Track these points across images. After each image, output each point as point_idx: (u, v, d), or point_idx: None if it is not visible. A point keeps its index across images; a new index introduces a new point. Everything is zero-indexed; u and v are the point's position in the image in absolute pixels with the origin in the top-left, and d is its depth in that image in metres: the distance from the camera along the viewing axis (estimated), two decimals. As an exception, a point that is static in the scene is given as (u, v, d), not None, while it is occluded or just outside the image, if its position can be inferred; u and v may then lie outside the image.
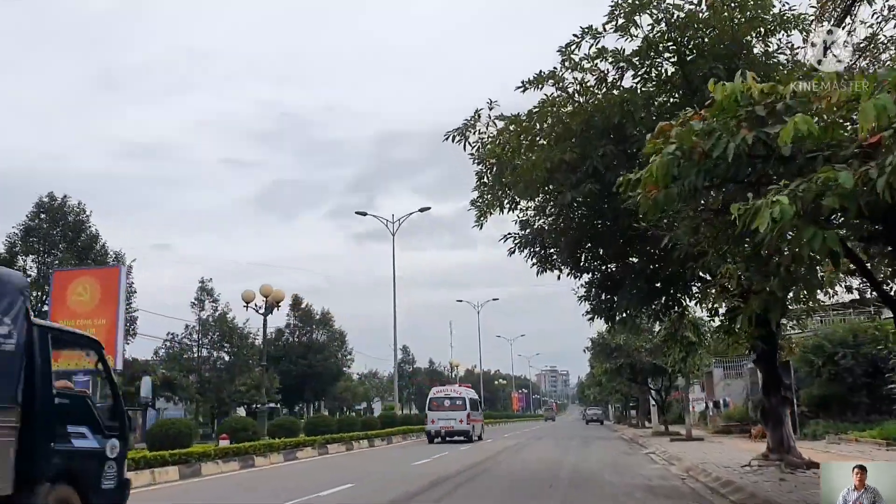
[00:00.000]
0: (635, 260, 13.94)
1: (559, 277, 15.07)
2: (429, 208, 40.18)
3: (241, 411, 46.46)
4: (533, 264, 14.83)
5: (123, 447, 7.81)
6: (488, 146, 13.17)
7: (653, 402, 41.16)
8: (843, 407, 23.96)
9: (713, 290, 13.05)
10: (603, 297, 14.90)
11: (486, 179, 14.21)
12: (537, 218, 14.58)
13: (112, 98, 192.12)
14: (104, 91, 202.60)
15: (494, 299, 78.75)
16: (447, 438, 30.97)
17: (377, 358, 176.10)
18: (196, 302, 44.91)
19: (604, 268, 14.83)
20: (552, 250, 14.29)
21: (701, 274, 13.42)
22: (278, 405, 57.29)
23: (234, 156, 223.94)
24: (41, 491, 6.31)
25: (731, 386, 35.82)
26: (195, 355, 44.37)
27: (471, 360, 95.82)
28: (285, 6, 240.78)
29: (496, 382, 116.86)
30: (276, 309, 21.95)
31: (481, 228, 14.83)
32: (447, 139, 13.16)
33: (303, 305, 58.10)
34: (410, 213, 40.36)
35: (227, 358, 45.17)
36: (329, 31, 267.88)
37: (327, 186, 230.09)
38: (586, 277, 15.10)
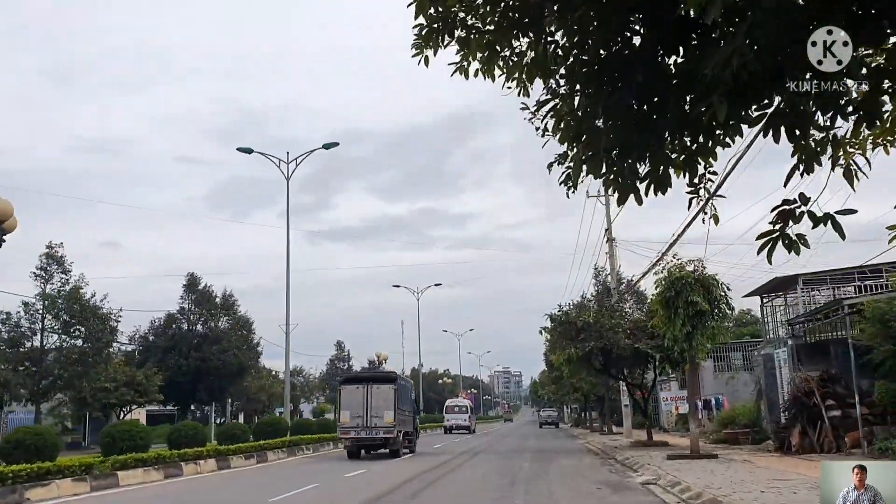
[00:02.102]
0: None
1: (519, 93, 5.76)
2: (336, 144, 30.46)
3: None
4: (455, 67, 5.52)
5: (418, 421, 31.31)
6: None
7: (626, 400, 32.30)
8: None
9: None
10: (611, 125, 5.49)
11: None
12: None
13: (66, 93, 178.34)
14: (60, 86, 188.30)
15: (437, 284, 69.90)
16: (454, 431, 49.70)
17: (309, 355, 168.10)
18: (40, 272, 34.32)
19: (621, 46, 5.49)
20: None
21: None
22: (172, 407, 47.15)
23: (189, 153, 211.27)
24: (415, 434, 27.62)
25: (734, 380, 27.04)
26: (39, 342, 34.09)
27: (421, 360, 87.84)
28: (254, 5, 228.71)
29: (440, 382, 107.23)
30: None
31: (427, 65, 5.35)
32: None
33: (200, 287, 47.59)
34: (312, 150, 30.75)
35: (79, 345, 34.49)
36: (288, 29, 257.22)
37: (280, 184, 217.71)
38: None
